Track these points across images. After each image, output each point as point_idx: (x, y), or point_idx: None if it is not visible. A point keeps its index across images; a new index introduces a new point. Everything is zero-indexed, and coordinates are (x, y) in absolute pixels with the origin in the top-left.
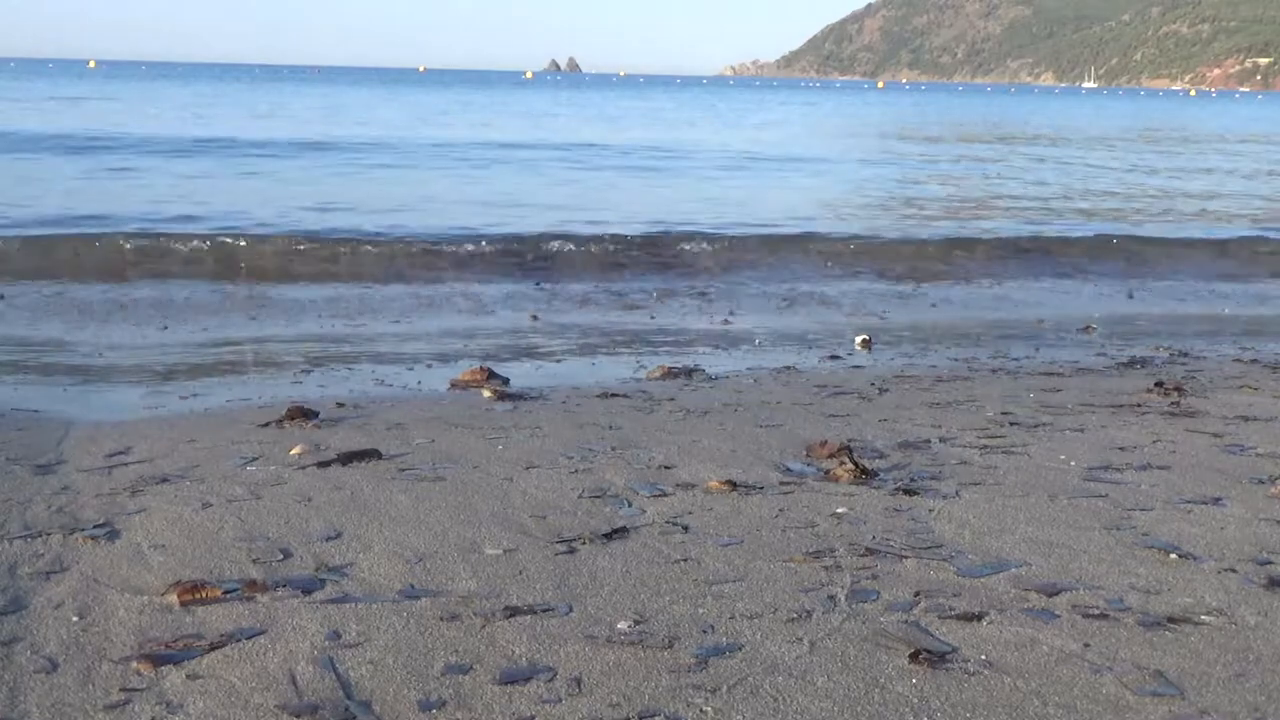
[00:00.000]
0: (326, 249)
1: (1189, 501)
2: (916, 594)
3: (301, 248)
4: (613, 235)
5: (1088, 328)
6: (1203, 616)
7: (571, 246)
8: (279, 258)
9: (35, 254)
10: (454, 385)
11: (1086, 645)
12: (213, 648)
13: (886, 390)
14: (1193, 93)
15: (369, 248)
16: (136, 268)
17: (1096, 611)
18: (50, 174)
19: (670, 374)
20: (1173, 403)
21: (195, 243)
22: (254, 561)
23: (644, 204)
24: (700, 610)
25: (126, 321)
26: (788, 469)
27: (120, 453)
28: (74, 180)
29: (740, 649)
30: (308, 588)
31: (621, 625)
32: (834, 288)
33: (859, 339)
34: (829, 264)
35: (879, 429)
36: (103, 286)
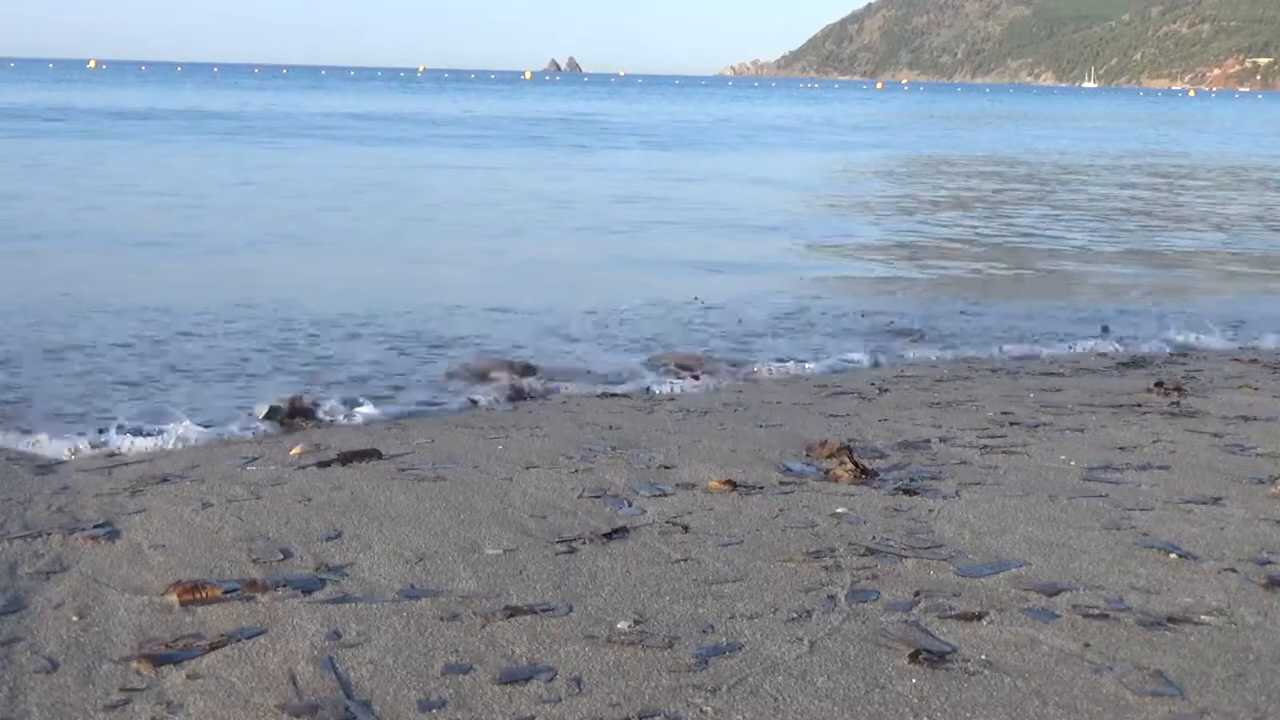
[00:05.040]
0: None
1: (1189, 501)
2: (916, 594)
3: None
4: None
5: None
6: (1203, 616)
7: None
8: None
9: None
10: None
11: (1086, 645)
12: (213, 648)
13: (886, 390)
14: (1192, 93)
15: None
16: None
17: (1096, 611)
18: None
19: None
20: (1173, 403)
21: None
22: (254, 561)
23: None
24: (700, 610)
25: None
26: (788, 469)
27: (120, 453)
28: None
29: (740, 649)
30: (308, 588)
31: (621, 625)
32: None
33: None
34: None
35: (879, 429)
36: None
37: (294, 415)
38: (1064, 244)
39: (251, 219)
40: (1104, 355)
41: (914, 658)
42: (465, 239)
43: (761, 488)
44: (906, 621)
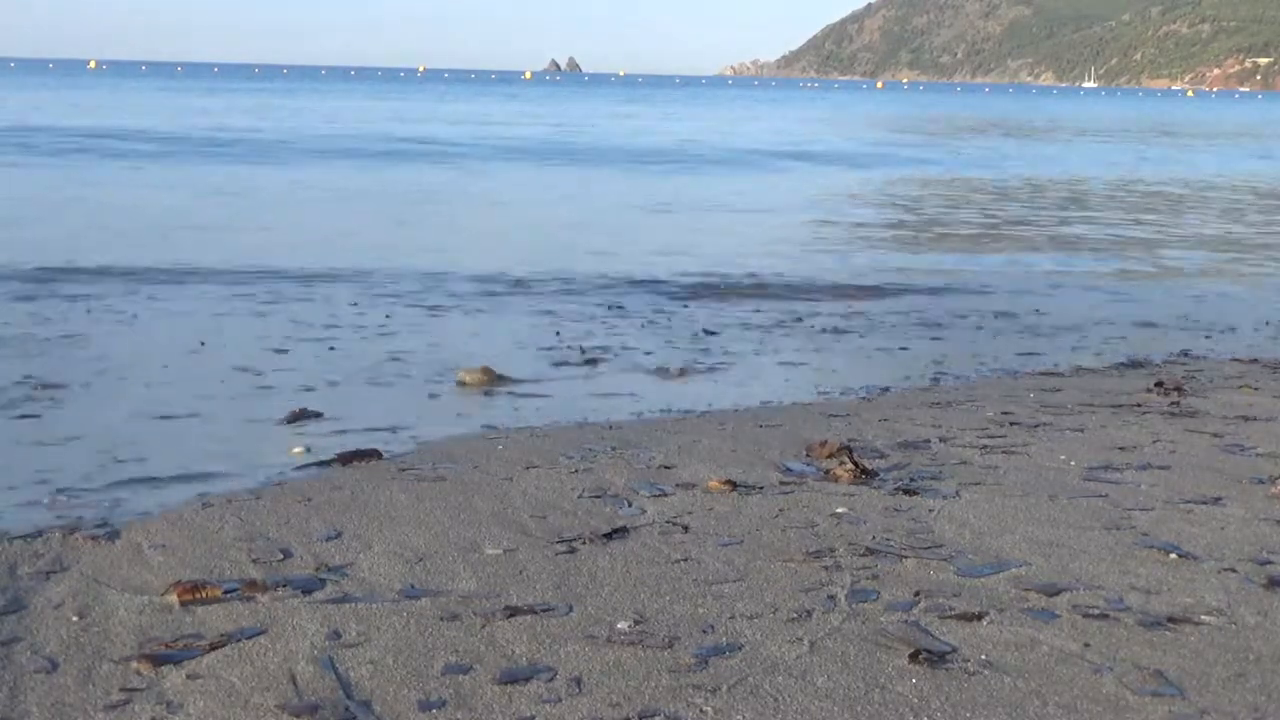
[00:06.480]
0: None
1: (1189, 501)
2: (916, 594)
3: None
4: None
5: None
6: (1203, 616)
7: None
8: None
9: None
10: (457, 385)
11: (1086, 645)
12: (213, 648)
13: (887, 389)
14: (1190, 93)
15: None
16: None
17: (1096, 611)
18: None
19: None
20: (1173, 403)
21: None
22: (254, 561)
23: None
24: (700, 610)
25: None
26: (788, 469)
27: None
28: None
29: (740, 649)
30: (308, 588)
31: (621, 625)
32: None
33: None
34: None
35: (879, 429)
36: None
37: (294, 417)
38: None
39: None
40: (1104, 355)
41: (914, 658)
42: None
43: (761, 488)
44: (906, 621)
